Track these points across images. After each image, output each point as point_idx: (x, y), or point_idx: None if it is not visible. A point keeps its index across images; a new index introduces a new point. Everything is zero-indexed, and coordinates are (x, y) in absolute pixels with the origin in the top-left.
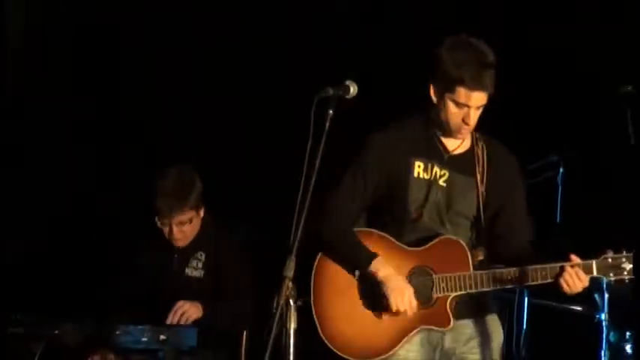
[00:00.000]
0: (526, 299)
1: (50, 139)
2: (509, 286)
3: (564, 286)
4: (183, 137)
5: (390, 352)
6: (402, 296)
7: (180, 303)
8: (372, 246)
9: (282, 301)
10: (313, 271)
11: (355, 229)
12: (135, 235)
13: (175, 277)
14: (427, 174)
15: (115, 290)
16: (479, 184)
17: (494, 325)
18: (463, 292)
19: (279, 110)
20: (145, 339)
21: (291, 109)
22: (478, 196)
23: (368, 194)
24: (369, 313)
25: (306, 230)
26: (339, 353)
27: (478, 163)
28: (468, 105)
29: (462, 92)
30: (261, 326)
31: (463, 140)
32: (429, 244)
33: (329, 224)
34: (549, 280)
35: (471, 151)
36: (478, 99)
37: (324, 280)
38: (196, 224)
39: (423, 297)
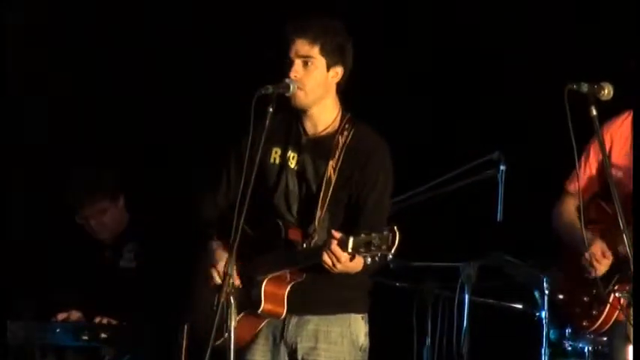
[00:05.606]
0: (467, 297)
1: None
2: (305, 265)
3: (325, 260)
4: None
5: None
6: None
7: None
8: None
9: (222, 299)
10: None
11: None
12: (62, 234)
13: (109, 271)
14: (281, 159)
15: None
16: (330, 169)
17: (355, 325)
18: (275, 274)
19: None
20: (85, 337)
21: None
22: (328, 182)
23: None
24: None
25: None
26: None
27: (336, 148)
28: (290, 56)
29: (288, 45)
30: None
31: (329, 126)
32: (257, 230)
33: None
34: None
35: (333, 136)
36: (298, 47)
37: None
38: (115, 215)
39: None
